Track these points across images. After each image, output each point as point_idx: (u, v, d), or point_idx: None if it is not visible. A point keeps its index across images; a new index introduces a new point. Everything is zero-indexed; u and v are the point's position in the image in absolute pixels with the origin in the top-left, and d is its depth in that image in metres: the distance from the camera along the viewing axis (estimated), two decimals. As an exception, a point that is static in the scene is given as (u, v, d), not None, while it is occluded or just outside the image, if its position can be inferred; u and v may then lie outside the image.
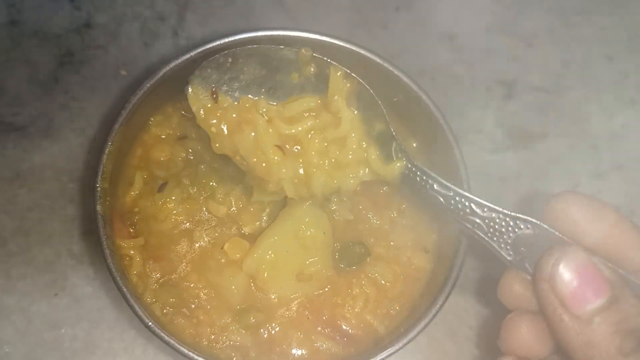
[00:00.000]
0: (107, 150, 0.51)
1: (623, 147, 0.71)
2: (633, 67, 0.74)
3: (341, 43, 0.56)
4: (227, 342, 0.52)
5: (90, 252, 0.62)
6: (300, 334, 0.54)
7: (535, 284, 0.40)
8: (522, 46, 0.74)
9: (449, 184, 0.47)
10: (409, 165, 0.49)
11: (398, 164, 0.49)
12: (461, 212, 0.45)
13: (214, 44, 0.53)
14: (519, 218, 0.43)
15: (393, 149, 0.49)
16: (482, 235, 0.44)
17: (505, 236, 0.43)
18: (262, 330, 0.53)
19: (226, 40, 0.53)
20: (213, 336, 0.52)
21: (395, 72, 0.57)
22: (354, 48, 0.56)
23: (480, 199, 0.45)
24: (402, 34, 0.73)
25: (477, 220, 0.44)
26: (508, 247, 0.43)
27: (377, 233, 0.58)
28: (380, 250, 0.58)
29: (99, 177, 0.50)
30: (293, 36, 0.56)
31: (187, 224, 0.55)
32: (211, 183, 0.55)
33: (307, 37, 0.56)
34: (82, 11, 0.70)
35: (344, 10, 0.73)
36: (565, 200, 0.41)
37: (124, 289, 0.47)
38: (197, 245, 0.55)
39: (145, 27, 0.70)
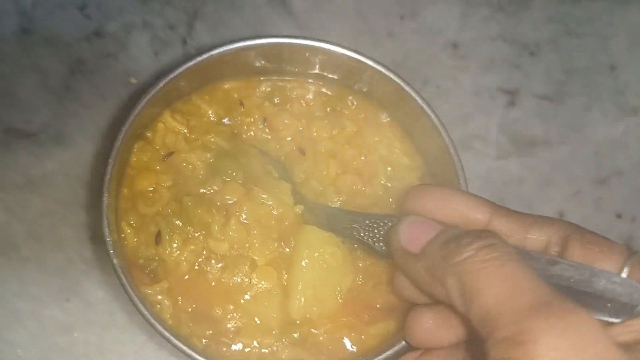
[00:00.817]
0: (105, 203, 0.50)
1: (624, 154, 0.72)
2: (634, 76, 0.75)
3: (345, 52, 0.57)
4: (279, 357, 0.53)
5: (101, 257, 0.63)
6: (349, 330, 0.55)
7: (392, 254, 0.46)
8: (525, 55, 0.75)
9: (327, 206, 0.55)
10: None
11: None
12: (338, 225, 0.52)
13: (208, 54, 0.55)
14: (385, 216, 0.50)
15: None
16: (359, 238, 0.51)
17: (378, 234, 0.49)
18: (308, 340, 0.53)
19: (228, 47, 0.56)
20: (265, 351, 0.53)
21: (397, 80, 0.58)
22: (358, 57, 0.58)
23: (352, 211, 0.53)
24: (407, 42, 0.74)
25: (355, 225, 0.51)
26: (381, 242, 0.49)
27: (378, 202, 0.59)
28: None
29: (106, 230, 0.50)
30: (298, 44, 0.58)
31: (199, 264, 0.54)
32: (204, 218, 0.53)
33: (312, 45, 0.57)
34: (93, 20, 0.71)
35: (349, 18, 0.75)
36: (407, 193, 0.47)
37: (166, 332, 0.48)
38: (221, 280, 0.53)
39: (155, 36, 0.71)
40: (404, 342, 0.50)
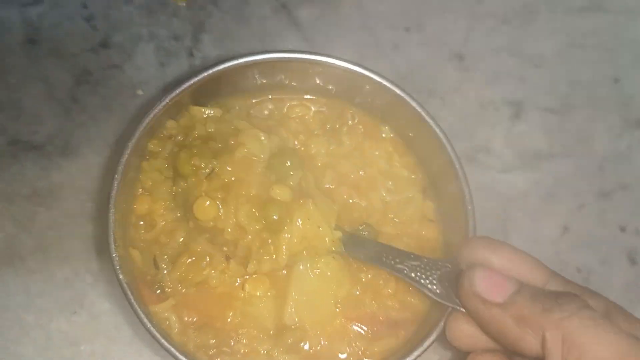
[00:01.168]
0: (111, 219, 0.51)
1: (628, 168, 0.72)
2: (639, 89, 0.76)
3: (346, 65, 0.58)
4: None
5: (107, 270, 0.63)
6: (345, 336, 0.55)
7: (460, 300, 0.48)
8: (529, 67, 0.75)
9: (380, 243, 0.56)
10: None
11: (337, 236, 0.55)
12: (389, 264, 0.53)
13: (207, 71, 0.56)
14: (438, 260, 0.52)
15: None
16: (411, 280, 0.52)
17: (430, 276, 0.51)
18: (303, 346, 0.54)
19: (233, 62, 0.56)
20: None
21: (401, 93, 0.58)
22: (360, 70, 0.58)
23: (401, 249, 0.54)
24: (412, 54, 0.74)
25: (405, 269, 0.52)
26: (434, 285, 0.51)
27: (374, 214, 0.59)
28: (387, 229, 0.59)
29: (112, 246, 0.50)
30: (305, 59, 0.58)
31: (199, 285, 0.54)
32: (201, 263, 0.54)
33: (318, 60, 0.58)
34: (99, 31, 0.71)
35: (355, 30, 0.75)
36: (469, 245, 0.50)
37: (172, 349, 0.49)
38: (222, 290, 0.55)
39: (161, 47, 0.71)
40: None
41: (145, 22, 0.72)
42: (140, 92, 0.69)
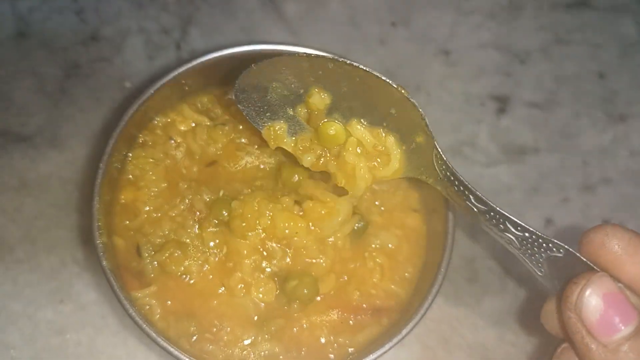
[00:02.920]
0: (95, 207, 0.52)
1: (612, 162, 0.73)
2: (623, 84, 0.76)
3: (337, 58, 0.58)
4: (259, 355, 0.54)
5: (93, 260, 0.63)
6: (328, 325, 0.56)
7: (562, 312, 0.41)
8: (515, 62, 0.76)
9: (485, 198, 0.48)
10: (448, 174, 0.51)
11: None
12: (494, 227, 0.47)
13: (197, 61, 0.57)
14: (551, 241, 0.44)
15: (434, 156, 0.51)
16: (515, 250, 0.46)
17: (537, 255, 0.45)
18: (287, 334, 0.55)
19: (219, 54, 0.57)
20: (245, 352, 0.54)
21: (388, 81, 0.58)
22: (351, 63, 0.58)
23: (515, 217, 0.46)
24: (399, 49, 0.75)
25: (511, 237, 0.46)
26: (540, 264, 0.45)
27: (362, 202, 0.60)
28: (375, 218, 0.60)
29: (96, 234, 0.51)
30: (290, 51, 0.59)
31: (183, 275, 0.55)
32: (176, 252, 0.55)
33: (303, 52, 0.58)
34: (88, 24, 0.72)
35: (342, 24, 0.75)
36: (605, 233, 0.41)
37: (154, 334, 0.49)
38: (205, 276, 0.56)
39: (150, 41, 0.72)
40: (386, 347, 0.51)
41: (134, 16, 0.73)
42: (128, 85, 0.70)
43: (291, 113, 0.53)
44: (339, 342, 0.55)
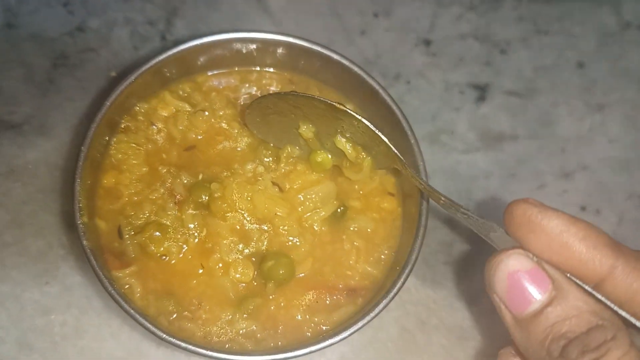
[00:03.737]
0: (77, 188, 0.53)
1: (589, 150, 0.74)
2: (602, 74, 0.78)
3: (315, 47, 0.61)
4: (236, 332, 0.56)
5: (79, 243, 0.65)
6: (304, 304, 0.58)
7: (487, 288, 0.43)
8: (495, 52, 0.78)
9: (432, 189, 0.54)
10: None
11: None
12: (453, 211, 0.51)
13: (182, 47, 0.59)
14: (487, 222, 0.47)
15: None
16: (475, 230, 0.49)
17: (485, 233, 0.47)
18: (264, 312, 0.56)
19: (201, 41, 0.59)
20: (222, 330, 0.56)
21: (363, 75, 0.61)
22: (329, 53, 0.60)
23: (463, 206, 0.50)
24: (380, 40, 0.77)
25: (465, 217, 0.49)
26: (492, 241, 0.47)
27: (341, 187, 0.62)
28: (354, 203, 0.61)
29: (77, 214, 0.53)
30: (270, 39, 0.61)
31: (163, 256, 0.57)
32: (155, 233, 0.57)
33: (283, 40, 0.61)
34: (76, 16, 0.74)
35: (324, 15, 0.77)
36: (507, 216, 0.43)
37: (132, 311, 0.51)
38: (185, 257, 0.57)
39: (135, 32, 0.74)
40: (359, 324, 0.53)
41: (120, 8, 0.75)
42: (114, 74, 0.72)
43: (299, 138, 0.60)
44: (315, 321, 0.57)
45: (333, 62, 0.61)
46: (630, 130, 0.76)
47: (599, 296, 0.39)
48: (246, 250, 0.58)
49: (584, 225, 0.40)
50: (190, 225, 0.57)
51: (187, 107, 0.62)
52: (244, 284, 0.57)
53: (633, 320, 0.38)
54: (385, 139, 0.56)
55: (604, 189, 0.73)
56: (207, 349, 0.51)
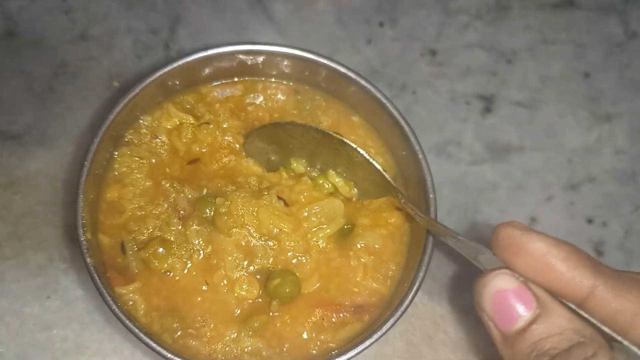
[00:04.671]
0: (79, 204, 0.52)
1: (597, 161, 0.74)
2: (608, 84, 0.77)
3: (321, 60, 0.60)
4: (242, 350, 0.55)
5: (80, 256, 0.64)
6: (311, 322, 0.56)
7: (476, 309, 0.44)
8: (501, 62, 0.77)
9: (428, 217, 0.55)
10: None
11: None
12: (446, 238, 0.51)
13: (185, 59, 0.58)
14: (477, 245, 0.47)
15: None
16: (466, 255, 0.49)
17: (474, 257, 0.48)
18: (269, 330, 0.55)
19: (207, 53, 0.58)
20: (227, 348, 0.55)
21: (370, 87, 0.60)
22: (335, 66, 0.60)
23: (452, 229, 0.50)
24: (386, 49, 0.76)
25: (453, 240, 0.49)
26: (480, 264, 0.47)
27: (350, 204, 0.61)
28: (362, 220, 0.60)
29: (80, 231, 0.52)
30: (276, 51, 0.60)
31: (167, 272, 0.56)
32: (159, 250, 0.56)
33: (289, 53, 0.60)
34: (77, 24, 0.73)
35: (329, 25, 0.76)
36: (493, 240, 0.44)
37: (137, 330, 0.50)
38: (189, 273, 0.56)
39: (138, 40, 0.73)
40: (367, 343, 0.52)
41: (123, 16, 0.74)
42: (116, 84, 0.70)
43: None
44: (321, 339, 0.56)
45: (339, 74, 0.60)
46: (638, 141, 0.75)
47: (583, 313, 0.41)
48: (251, 267, 0.56)
49: (566, 247, 0.42)
50: (194, 241, 0.56)
51: (191, 120, 0.61)
52: (249, 301, 0.56)
53: (615, 335, 0.39)
54: (380, 168, 0.57)
55: (611, 200, 0.72)
56: None
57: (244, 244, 0.56)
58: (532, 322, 0.40)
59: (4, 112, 0.69)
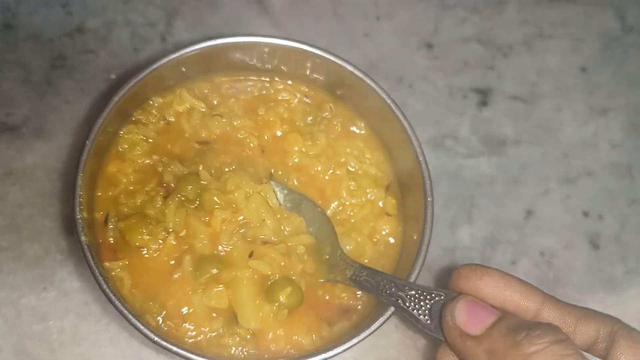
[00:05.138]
0: (79, 183, 0.52)
1: (593, 155, 0.74)
2: (605, 78, 0.77)
3: (317, 51, 0.60)
4: (229, 341, 0.54)
5: (77, 248, 0.64)
6: (304, 327, 0.56)
7: (443, 331, 0.49)
8: (498, 56, 0.77)
9: (376, 271, 0.55)
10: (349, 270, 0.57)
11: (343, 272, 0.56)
12: (386, 292, 0.52)
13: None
14: (433, 289, 0.51)
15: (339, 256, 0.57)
16: (403, 307, 0.51)
17: (423, 306, 0.51)
18: (260, 335, 0.55)
19: (200, 45, 0.58)
20: (211, 335, 0.54)
21: (368, 81, 0.60)
22: (329, 57, 0.60)
23: (399, 279, 0.53)
24: (383, 43, 0.76)
25: (400, 294, 0.52)
26: (426, 315, 0.50)
27: (336, 214, 0.61)
28: (341, 228, 0.60)
29: (77, 209, 0.52)
30: (272, 43, 0.60)
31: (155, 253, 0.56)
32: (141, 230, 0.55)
33: (285, 45, 0.60)
34: (75, 16, 0.73)
35: (327, 18, 0.76)
36: (457, 273, 0.51)
37: (125, 311, 0.50)
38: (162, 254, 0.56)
39: (135, 33, 0.73)
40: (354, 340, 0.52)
41: (120, 9, 0.74)
42: (113, 77, 0.71)
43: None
44: (313, 338, 0.56)
45: (341, 68, 0.60)
46: (634, 135, 0.75)
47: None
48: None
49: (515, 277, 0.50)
50: (170, 221, 0.55)
51: (203, 107, 0.61)
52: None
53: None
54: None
55: (607, 194, 0.73)
56: (206, 357, 0.50)
57: (224, 228, 0.56)
58: (501, 318, 0.46)
59: (1, 104, 0.69)
